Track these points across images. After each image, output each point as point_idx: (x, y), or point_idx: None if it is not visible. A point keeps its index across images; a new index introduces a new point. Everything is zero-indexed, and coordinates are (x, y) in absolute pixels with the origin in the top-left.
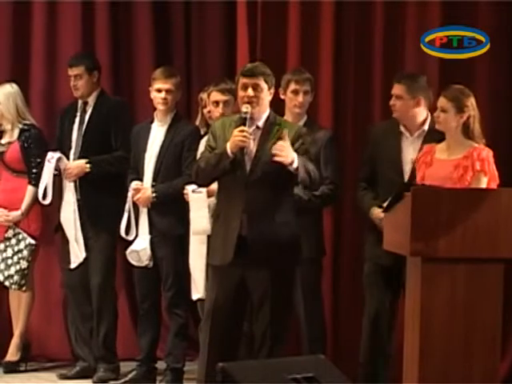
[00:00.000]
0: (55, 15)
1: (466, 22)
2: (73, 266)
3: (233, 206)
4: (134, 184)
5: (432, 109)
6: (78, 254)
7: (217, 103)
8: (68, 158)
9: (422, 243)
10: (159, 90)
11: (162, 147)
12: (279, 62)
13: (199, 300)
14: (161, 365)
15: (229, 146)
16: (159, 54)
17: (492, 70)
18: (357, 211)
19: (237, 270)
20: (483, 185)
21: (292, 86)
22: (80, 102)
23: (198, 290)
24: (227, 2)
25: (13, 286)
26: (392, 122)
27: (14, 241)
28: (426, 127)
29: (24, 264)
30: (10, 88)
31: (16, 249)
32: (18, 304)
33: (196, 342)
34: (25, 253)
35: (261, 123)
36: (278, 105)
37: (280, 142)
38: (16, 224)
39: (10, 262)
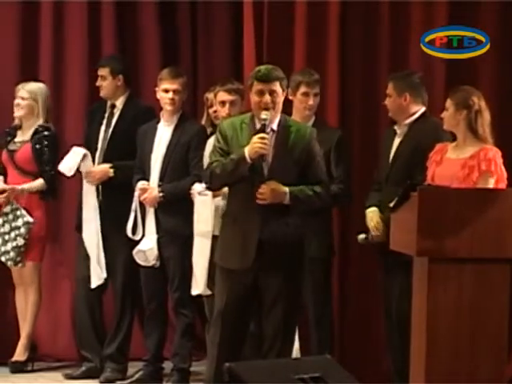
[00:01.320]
0: (62, 16)
1: (471, 22)
2: (93, 285)
3: (251, 210)
4: (141, 184)
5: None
6: (99, 274)
7: (223, 103)
8: (93, 160)
9: (429, 243)
10: (166, 91)
11: (168, 147)
12: (286, 63)
13: (199, 296)
14: (167, 365)
15: (247, 153)
16: (165, 54)
17: (498, 70)
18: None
19: (251, 272)
20: (490, 185)
21: (302, 89)
22: (108, 104)
23: (198, 286)
24: (234, 2)
25: (8, 262)
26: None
27: (11, 216)
28: (407, 121)
29: (20, 241)
30: (43, 86)
31: (13, 225)
32: (25, 304)
33: (203, 342)
34: (22, 230)
35: (275, 126)
36: (285, 105)
37: (263, 186)
38: (16, 200)
39: (6, 237)
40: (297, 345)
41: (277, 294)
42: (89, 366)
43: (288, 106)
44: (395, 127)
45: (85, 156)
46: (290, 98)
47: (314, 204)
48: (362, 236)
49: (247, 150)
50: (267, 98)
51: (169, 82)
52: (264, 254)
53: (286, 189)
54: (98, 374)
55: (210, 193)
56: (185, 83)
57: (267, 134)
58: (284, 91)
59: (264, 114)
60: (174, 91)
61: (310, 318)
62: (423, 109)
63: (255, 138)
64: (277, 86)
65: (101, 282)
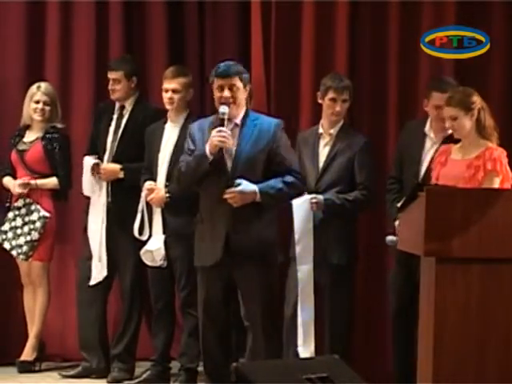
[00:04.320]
0: (69, 15)
1: (480, 22)
2: (92, 282)
3: (218, 206)
4: (148, 184)
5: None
6: (100, 271)
7: None
8: (102, 160)
9: (436, 243)
10: (166, 90)
11: (175, 147)
12: (293, 62)
13: None
14: (175, 365)
15: (207, 147)
16: (173, 53)
17: (507, 70)
18: (372, 214)
19: (225, 269)
20: (496, 185)
21: (330, 94)
22: (117, 105)
23: None
24: (241, 2)
25: (20, 256)
26: (420, 121)
27: (23, 210)
28: (450, 130)
29: (35, 235)
30: (52, 88)
31: (27, 219)
32: (33, 304)
33: None
34: (37, 224)
35: (238, 120)
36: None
37: (230, 190)
38: (28, 195)
39: (19, 231)
40: (312, 347)
41: (251, 291)
42: (85, 366)
43: (318, 110)
44: (426, 130)
45: (96, 165)
46: (320, 101)
47: (287, 195)
48: (392, 238)
49: (207, 146)
50: (226, 92)
51: (167, 81)
52: (235, 250)
53: (255, 187)
54: (93, 374)
55: None
56: (186, 82)
57: (226, 127)
58: (246, 86)
59: (222, 108)
60: (173, 90)
61: (325, 321)
62: None
63: (213, 132)
64: (237, 81)
65: (100, 279)
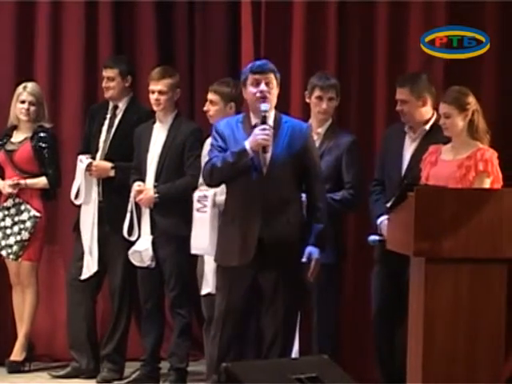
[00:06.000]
0: (59, 15)
1: (471, 21)
2: (83, 277)
3: (250, 206)
4: (137, 185)
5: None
6: (90, 266)
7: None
8: (94, 159)
9: (426, 243)
10: (152, 92)
11: (163, 147)
12: (283, 62)
13: (207, 295)
14: (164, 365)
15: (249, 145)
16: (162, 53)
17: (498, 70)
18: (361, 213)
19: (251, 270)
20: (486, 185)
21: (316, 93)
22: (111, 105)
23: (208, 285)
24: (231, 1)
25: (10, 256)
26: (401, 123)
27: (13, 210)
28: (427, 127)
29: (25, 235)
30: (39, 87)
31: (16, 219)
32: (22, 304)
33: (200, 342)
34: (28, 224)
35: (271, 122)
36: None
37: (310, 271)
38: (17, 195)
39: (9, 231)
40: (296, 346)
41: (276, 293)
42: (74, 366)
43: (308, 110)
44: (406, 129)
45: (90, 164)
46: (307, 100)
47: (333, 213)
48: (374, 238)
49: (248, 142)
50: (263, 86)
51: (153, 82)
52: (264, 252)
53: (312, 248)
54: (82, 374)
55: (208, 211)
56: (172, 83)
57: (269, 125)
58: (278, 86)
59: (263, 106)
60: (159, 92)
61: (313, 320)
62: (434, 113)
63: (257, 130)
64: (272, 78)
65: (90, 274)
